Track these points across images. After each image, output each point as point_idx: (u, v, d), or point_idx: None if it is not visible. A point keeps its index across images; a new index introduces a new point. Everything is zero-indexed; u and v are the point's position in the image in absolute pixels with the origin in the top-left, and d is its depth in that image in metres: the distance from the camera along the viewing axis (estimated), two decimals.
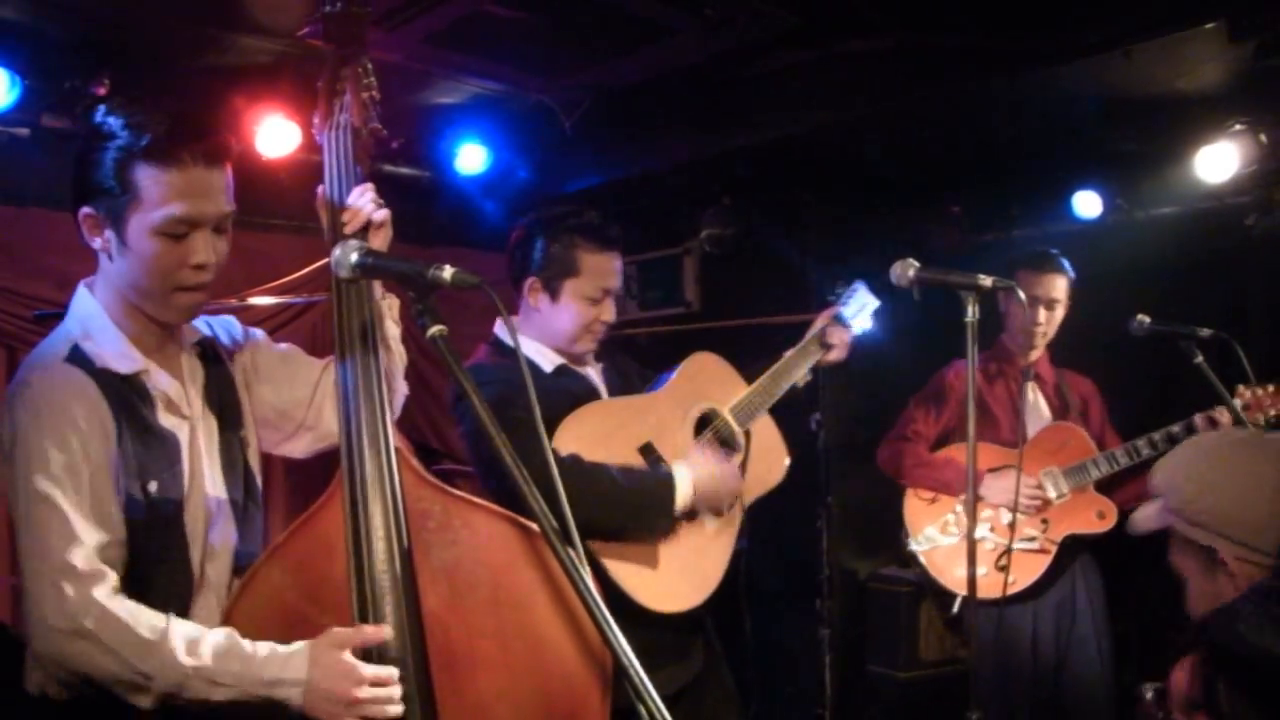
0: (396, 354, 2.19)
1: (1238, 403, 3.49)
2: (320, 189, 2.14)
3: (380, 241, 2.06)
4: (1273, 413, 3.51)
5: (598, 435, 2.64)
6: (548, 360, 2.81)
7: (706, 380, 2.95)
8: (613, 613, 2.44)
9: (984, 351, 3.92)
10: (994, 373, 3.90)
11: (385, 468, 1.91)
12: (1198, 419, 3.49)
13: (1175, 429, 3.53)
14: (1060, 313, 3.84)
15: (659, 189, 5.59)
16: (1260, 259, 4.48)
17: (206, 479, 2.00)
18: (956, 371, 3.87)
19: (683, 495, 2.61)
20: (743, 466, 2.87)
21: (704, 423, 2.89)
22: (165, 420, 1.96)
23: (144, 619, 1.76)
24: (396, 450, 1.95)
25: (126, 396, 1.89)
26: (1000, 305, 3.92)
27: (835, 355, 3.13)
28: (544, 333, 2.83)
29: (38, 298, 4.40)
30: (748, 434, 2.94)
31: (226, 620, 1.86)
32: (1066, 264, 3.84)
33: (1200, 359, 3.37)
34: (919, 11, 3.74)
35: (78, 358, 1.87)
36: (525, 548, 1.87)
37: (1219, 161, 4.28)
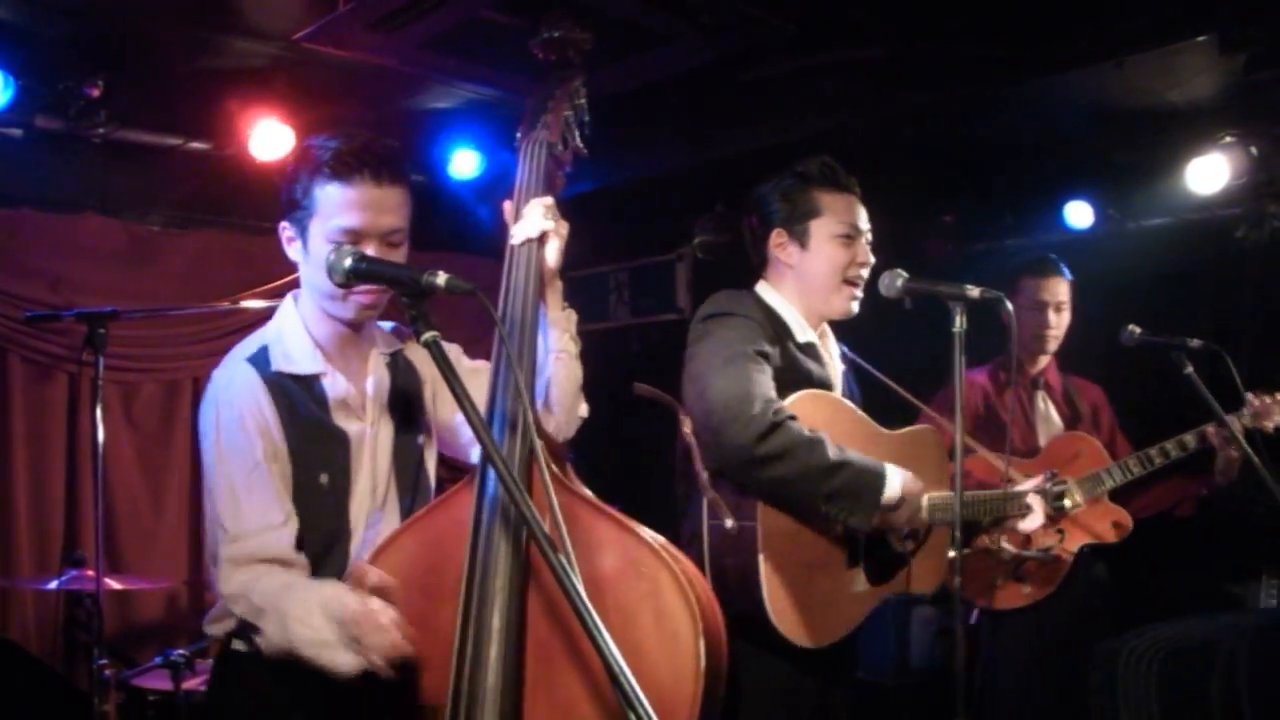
0: (568, 369, 2.26)
1: (1246, 412, 3.50)
2: (506, 203, 2.22)
3: (552, 253, 2.11)
4: (1274, 423, 3.53)
5: (823, 427, 2.56)
6: (801, 330, 2.73)
7: (926, 459, 2.80)
8: (759, 640, 2.48)
9: (992, 361, 3.94)
10: (1003, 383, 3.91)
11: (520, 460, 1.94)
12: (1210, 429, 3.51)
13: (1187, 438, 3.54)
14: (1067, 315, 3.88)
15: (652, 195, 5.60)
16: (1250, 270, 4.50)
17: (379, 478, 2.17)
18: (968, 383, 3.87)
19: (891, 492, 2.50)
20: (913, 554, 2.75)
21: None
22: (339, 419, 2.14)
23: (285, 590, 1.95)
24: (534, 444, 1.95)
25: (298, 395, 2.09)
26: (1003, 317, 3.93)
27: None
28: (800, 290, 2.75)
29: (30, 299, 4.39)
30: (930, 529, 2.78)
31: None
32: (1065, 267, 3.88)
33: (1190, 369, 3.38)
34: (913, 21, 3.76)
35: (258, 358, 2.11)
36: (639, 560, 1.86)
37: (1210, 173, 4.30)
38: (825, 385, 2.71)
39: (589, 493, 1.96)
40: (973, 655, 2.76)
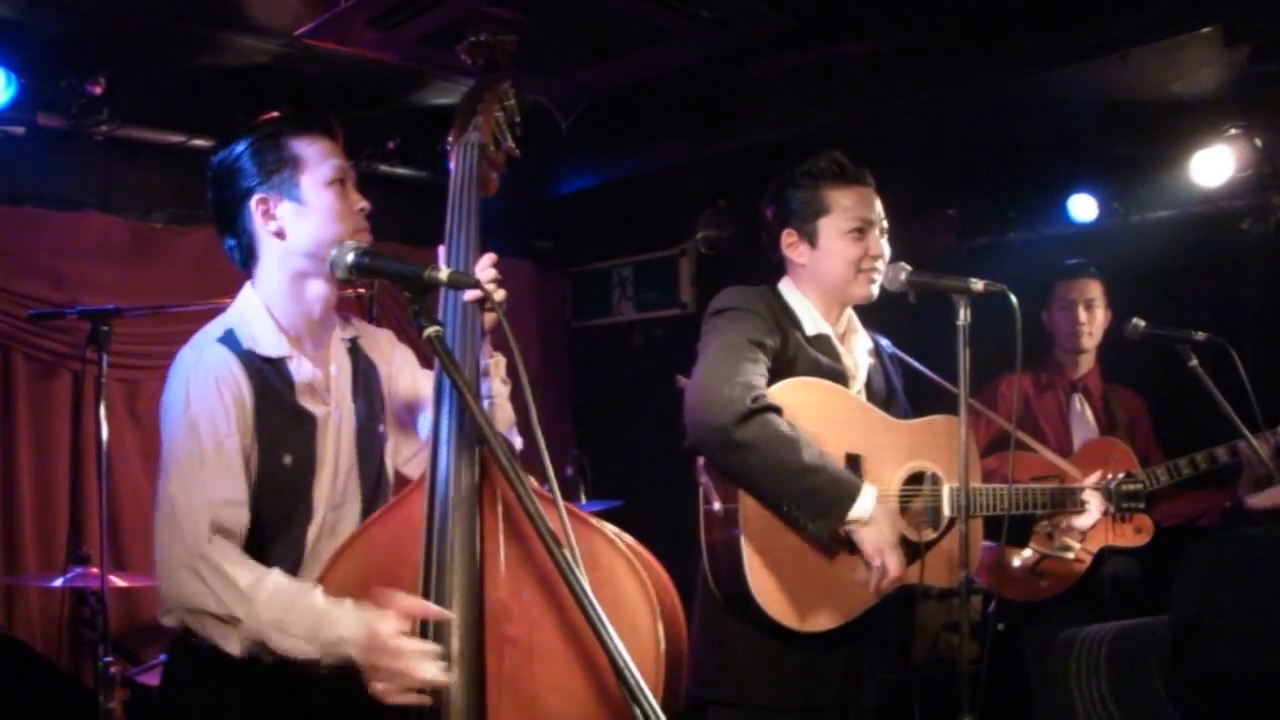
0: (502, 410, 2.26)
1: (1262, 445, 3.47)
2: (440, 247, 2.20)
3: (491, 319, 2.12)
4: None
5: (815, 413, 2.57)
6: (812, 322, 2.72)
7: (940, 447, 2.73)
8: (752, 620, 2.49)
9: (1035, 365, 4.02)
10: (1043, 384, 3.99)
11: (468, 455, 1.95)
12: (1242, 445, 3.49)
13: (1219, 451, 3.54)
14: (1100, 314, 3.97)
15: (655, 191, 5.60)
16: (1255, 263, 4.49)
17: (341, 462, 2.17)
18: (1009, 383, 3.89)
19: (859, 511, 2.46)
20: (927, 546, 2.66)
21: (917, 482, 2.72)
22: (305, 402, 2.14)
23: (244, 570, 1.93)
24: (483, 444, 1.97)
25: (268, 376, 2.09)
26: (1045, 320, 3.99)
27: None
28: (816, 285, 2.74)
29: (33, 297, 4.39)
30: (953, 521, 2.70)
31: (320, 581, 1.99)
32: (1096, 270, 3.99)
33: (1195, 362, 3.37)
34: (915, 14, 3.75)
35: (228, 339, 2.10)
36: (595, 550, 1.88)
37: (1214, 166, 4.29)
38: (836, 376, 2.70)
39: (537, 484, 1.96)
40: (982, 649, 2.74)
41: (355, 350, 2.28)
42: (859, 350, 2.81)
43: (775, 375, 2.59)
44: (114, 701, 3.41)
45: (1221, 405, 3.43)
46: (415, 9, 3.55)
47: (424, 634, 1.85)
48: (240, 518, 2.01)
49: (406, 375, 2.36)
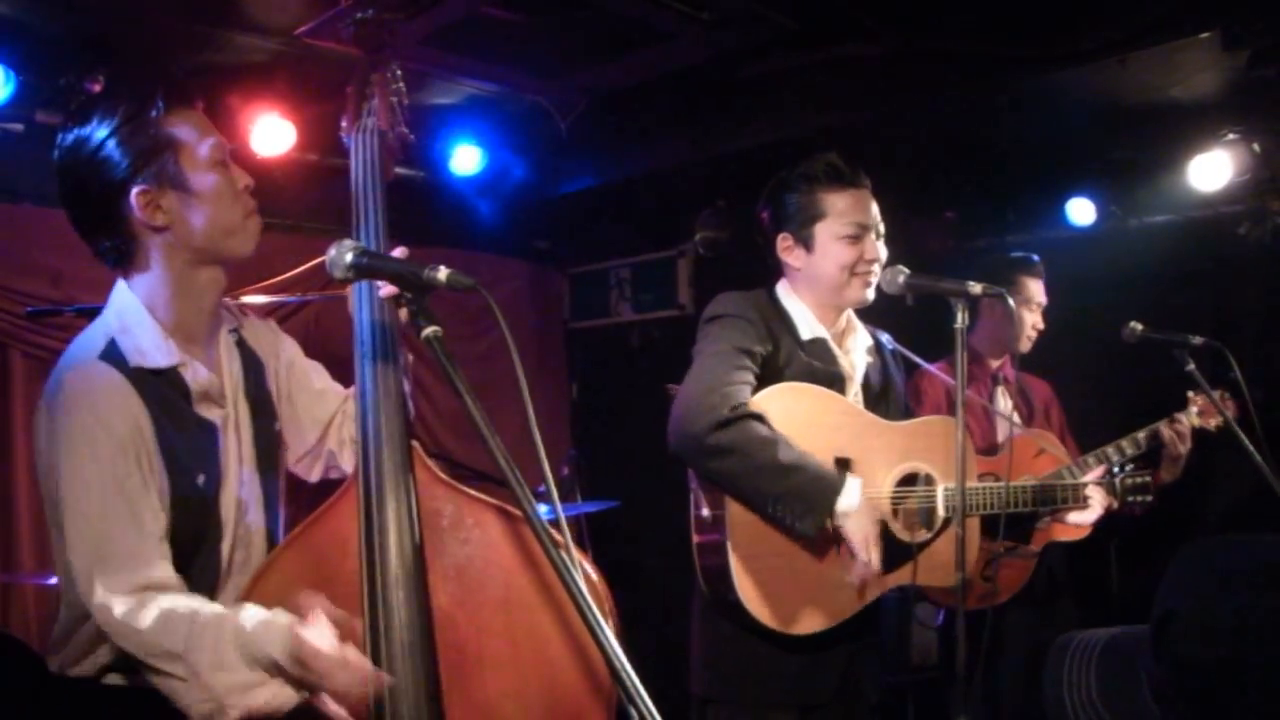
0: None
1: (1192, 409, 3.53)
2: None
3: (405, 316, 2.01)
4: (1216, 421, 3.53)
5: (803, 419, 2.56)
6: (808, 327, 2.73)
7: (936, 448, 2.74)
8: (742, 622, 2.50)
9: (948, 355, 3.92)
10: (969, 376, 3.89)
11: (400, 465, 1.92)
12: (1162, 427, 3.52)
13: (1140, 435, 3.54)
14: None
15: (654, 191, 5.60)
16: (1252, 267, 4.50)
17: (244, 468, 2.04)
18: (929, 378, 3.85)
19: (844, 505, 2.46)
20: (920, 548, 2.64)
21: (910, 483, 2.72)
22: (203, 410, 1.99)
23: (166, 625, 1.78)
24: (411, 448, 1.96)
25: (163, 391, 1.92)
26: (981, 312, 3.93)
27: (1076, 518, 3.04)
28: (812, 289, 2.74)
29: (31, 294, 4.38)
30: (947, 522, 2.69)
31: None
32: None
33: (1192, 366, 3.37)
34: (915, 17, 3.75)
35: (112, 355, 1.90)
36: (537, 548, 1.87)
37: (1212, 170, 4.30)
38: (832, 380, 2.70)
39: (471, 490, 1.96)
40: (973, 654, 2.74)
41: (241, 344, 2.14)
42: (857, 350, 2.80)
43: (767, 382, 2.60)
44: None
45: (1219, 407, 3.45)
46: (415, 9, 3.54)
47: (375, 651, 1.80)
48: (160, 557, 1.84)
49: (297, 369, 2.24)
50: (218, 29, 3.79)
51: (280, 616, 1.78)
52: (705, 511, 2.58)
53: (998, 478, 3.03)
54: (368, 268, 1.87)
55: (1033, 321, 3.87)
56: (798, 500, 2.44)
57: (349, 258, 1.85)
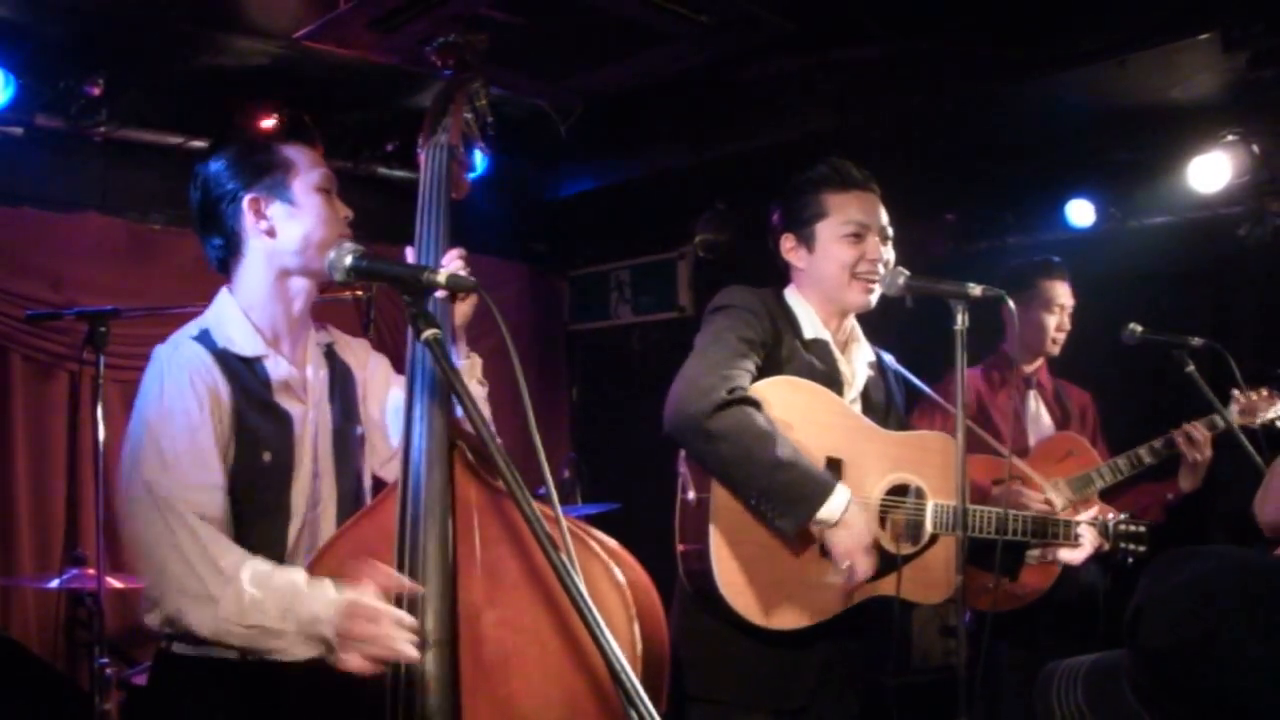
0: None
1: (1234, 408, 3.50)
2: (409, 249, 2.23)
3: (463, 311, 2.21)
4: (1269, 416, 3.52)
5: (799, 413, 2.55)
6: (811, 327, 2.73)
7: (930, 464, 2.70)
8: (719, 614, 2.48)
9: (985, 360, 3.92)
10: (995, 382, 3.89)
11: (439, 461, 1.95)
12: (1177, 436, 3.52)
13: (1157, 444, 3.55)
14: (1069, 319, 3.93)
15: (653, 194, 5.60)
16: (1252, 269, 4.50)
17: (320, 462, 2.19)
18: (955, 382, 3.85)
19: (831, 509, 2.43)
20: (904, 560, 2.61)
21: (900, 494, 2.68)
22: (282, 400, 2.15)
23: (227, 551, 1.94)
24: (452, 444, 1.98)
25: (244, 375, 2.11)
26: (1004, 314, 3.93)
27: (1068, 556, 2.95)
28: (815, 290, 2.75)
29: (31, 298, 4.39)
30: (935, 539, 2.67)
31: None
32: None
33: (1192, 368, 3.38)
34: (914, 19, 3.75)
35: (204, 338, 2.12)
36: (571, 547, 1.87)
37: (1212, 171, 4.30)
38: (830, 382, 2.69)
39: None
40: (975, 654, 2.72)
41: (331, 355, 2.31)
42: (858, 360, 2.80)
43: (766, 375, 2.59)
44: (109, 703, 3.41)
45: (1218, 409, 3.45)
46: (414, 11, 3.55)
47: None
48: (217, 502, 2.01)
49: (382, 380, 2.38)
50: (218, 32, 3.80)
51: (326, 582, 1.88)
52: (691, 495, 2.56)
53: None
54: (367, 270, 1.89)
55: (1057, 323, 3.84)
56: (782, 498, 2.43)
57: (348, 260, 1.87)
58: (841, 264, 2.68)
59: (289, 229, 2.14)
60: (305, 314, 2.24)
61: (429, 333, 1.72)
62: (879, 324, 2.97)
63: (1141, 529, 3.03)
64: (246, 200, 2.13)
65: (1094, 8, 3.60)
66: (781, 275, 2.85)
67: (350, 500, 2.23)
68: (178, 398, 2.01)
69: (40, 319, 4.20)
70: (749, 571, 2.50)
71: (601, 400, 6.45)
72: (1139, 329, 3.45)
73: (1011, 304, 2.61)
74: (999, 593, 3.56)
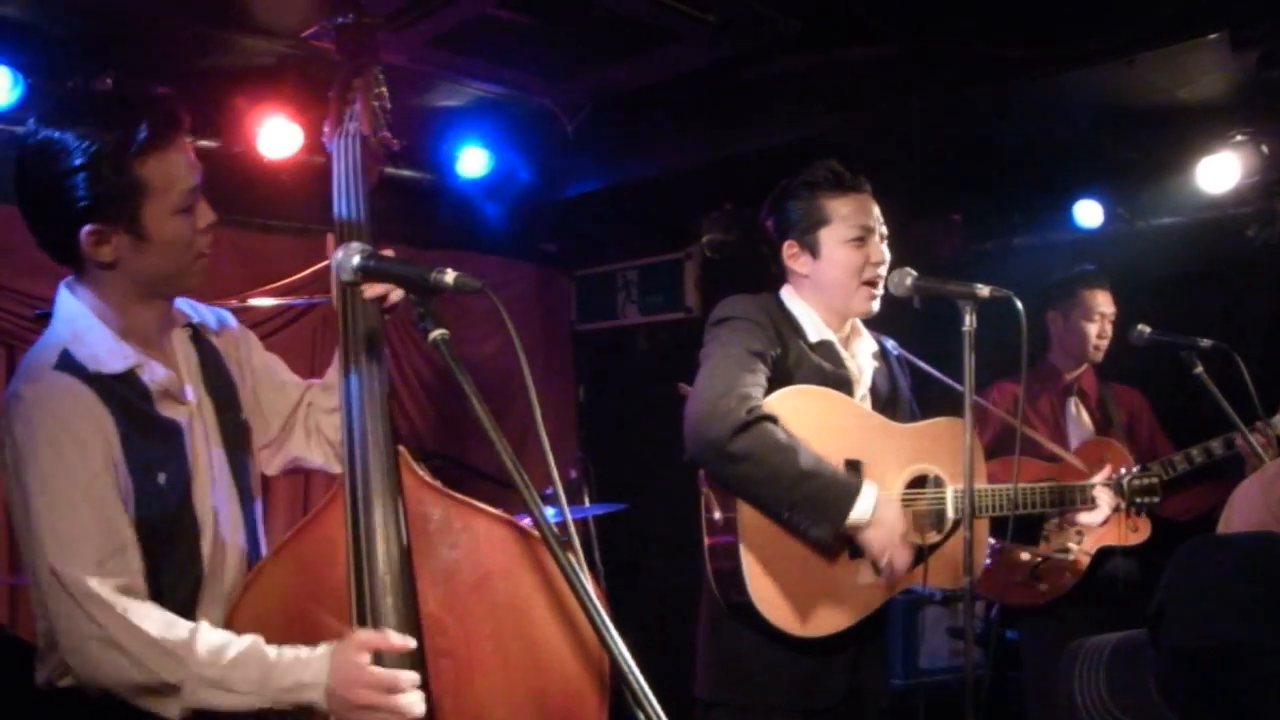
0: None
1: (1256, 438, 3.49)
2: (329, 235, 2.16)
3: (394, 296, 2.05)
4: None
5: (814, 422, 2.57)
6: (815, 329, 2.74)
7: (943, 450, 2.73)
8: (756, 626, 2.50)
9: (1029, 372, 3.96)
10: (1037, 390, 3.96)
11: (387, 470, 1.92)
12: (1238, 438, 3.50)
13: (1214, 444, 3.55)
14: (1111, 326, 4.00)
15: (660, 193, 5.59)
16: (1260, 269, 4.49)
17: (215, 464, 2.02)
18: (1000, 391, 3.88)
19: (862, 510, 2.45)
20: (931, 549, 2.65)
21: (920, 485, 2.72)
22: (165, 410, 1.96)
23: (167, 629, 1.78)
24: (398, 453, 1.96)
25: (123, 394, 1.88)
26: (1049, 326, 4.00)
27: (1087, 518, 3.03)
28: (818, 295, 2.75)
29: (38, 296, 4.39)
30: (958, 524, 2.69)
31: (231, 616, 1.90)
32: None
33: (1200, 369, 3.37)
34: (921, 18, 3.75)
35: (68, 363, 1.87)
36: (525, 551, 1.88)
37: (1220, 172, 4.29)
38: (840, 383, 2.70)
39: (459, 495, 1.96)
40: (985, 655, 2.73)
41: (198, 338, 2.10)
42: (863, 354, 2.81)
43: (776, 384, 2.60)
44: None
45: (1226, 411, 3.43)
46: (421, 11, 3.55)
47: (375, 660, 1.80)
48: (134, 562, 1.82)
49: (258, 361, 2.23)
50: (225, 31, 3.80)
51: (301, 648, 1.79)
52: (717, 515, 2.58)
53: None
54: (375, 270, 1.86)
55: (1098, 331, 3.95)
56: (812, 507, 2.45)
57: (356, 260, 1.85)
58: (849, 270, 2.70)
59: (136, 263, 1.91)
60: (168, 310, 2.04)
61: (437, 333, 1.72)
62: (888, 326, 2.97)
63: (1153, 480, 3.09)
64: (85, 231, 1.85)
65: (1102, 7, 3.58)
66: (777, 278, 2.85)
67: (249, 493, 2.08)
68: (57, 457, 1.77)
69: (48, 317, 4.19)
70: (783, 584, 2.52)
71: (608, 400, 6.44)
72: (1147, 330, 3.45)
73: (1020, 304, 2.62)
74: (1023, 587, 3.57)
